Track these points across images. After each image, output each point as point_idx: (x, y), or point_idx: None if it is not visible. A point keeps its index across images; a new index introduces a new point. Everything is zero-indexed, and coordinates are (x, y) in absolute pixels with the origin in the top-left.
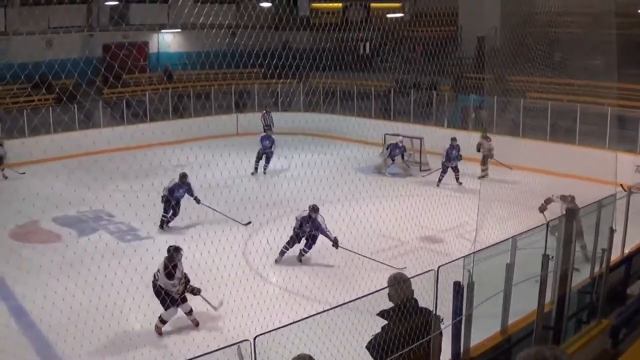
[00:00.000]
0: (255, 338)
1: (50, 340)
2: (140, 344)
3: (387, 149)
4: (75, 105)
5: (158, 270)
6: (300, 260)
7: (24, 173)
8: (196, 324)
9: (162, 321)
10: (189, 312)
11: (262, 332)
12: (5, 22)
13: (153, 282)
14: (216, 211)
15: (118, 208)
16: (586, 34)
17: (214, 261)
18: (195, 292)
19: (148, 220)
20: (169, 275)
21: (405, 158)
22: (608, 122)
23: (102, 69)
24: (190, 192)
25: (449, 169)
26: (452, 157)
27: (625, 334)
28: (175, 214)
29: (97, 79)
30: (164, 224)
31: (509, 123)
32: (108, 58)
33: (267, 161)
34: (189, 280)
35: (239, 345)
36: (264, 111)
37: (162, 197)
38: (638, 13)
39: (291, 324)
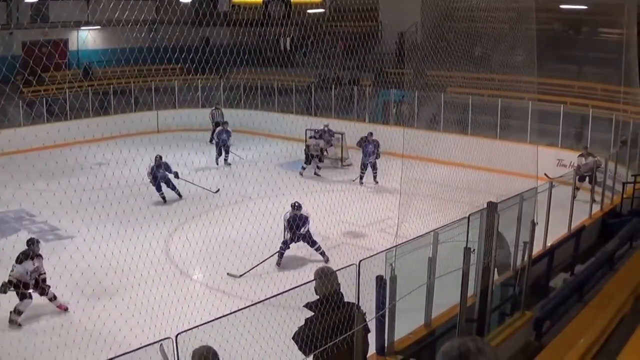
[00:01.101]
0: (177, 336)
1: None
2: (61, 346)
3: (318, 136)
4: None
5: (14, 264)
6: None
7: None
8: (65, 309)
9: (18, 312)
10: (53, 299)
11: (184, 329)
12: None
13: (9, 276)
14: (190, 182)
15: (38, 207)
16: (507, 29)
17: (137, 258)
18: (46, 292)
19: (68, 219)
20: (23, 264)
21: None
22: (529, 117)
23: (22, 68)
24: (168, 168)
25: (368, 166)
26: (368, 153)
27: (549, 326)
28: (173, 186)
29: (16, 77)
30: (164, 199)
31: (430, 117)
32: (27, 56)
33: (227, 153)
34: (44, 279)
35: (161, 344)
36: (213, 108)
37: (150, 182)
38: (559, 8)
39: (213, 320)
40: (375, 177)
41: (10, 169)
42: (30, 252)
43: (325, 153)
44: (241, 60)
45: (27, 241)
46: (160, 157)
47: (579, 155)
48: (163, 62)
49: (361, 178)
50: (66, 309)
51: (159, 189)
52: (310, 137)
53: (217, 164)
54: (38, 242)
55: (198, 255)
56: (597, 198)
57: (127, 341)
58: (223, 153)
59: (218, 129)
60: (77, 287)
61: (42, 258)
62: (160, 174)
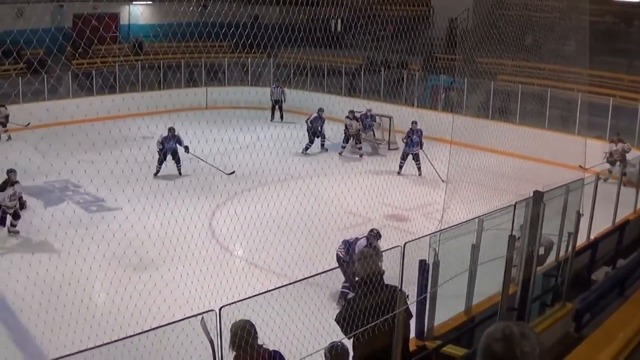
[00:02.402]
0: (220, 309)
1: (16, 310)
2: (106, 314)
3: (359, 120)
4: (45, 75)
5: None
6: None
7: (29, 124)
8: (17, 232)
9: None
10: (14, 225)
11: (227, 303)
12: None
13: None
14: (202, 160)
15: (84, 178)
16: (559, 19)
17: (180, 231)
18: (25, 205)
19: (114, 190)
20: (5, 192)
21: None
22: (578, 108)
23: (73, 39)
24: (179, 141)
25: (409, 156)
26: (413, 143)
27: (589, 319)
28: (178, 162)
29: (67, 48)
30: (156, 174)
31: (479, 105)
32: (78, 28)
33: (323, 138)
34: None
35: (202, 317)
36: (274, 85)
37: (157, 151)
38: (611, 1)
39: (256, 295)
40: (419, 168)
41: (59, 139)
42: (9, 180)
43: (362, 135)
44: (290, 39)
45: (7, 171)
46: (173, 129)
47: (610, 142)
48: (212, 39)
49: (400, 168)
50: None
51: (160, 161)
52: (346, 117)
53: (305, 152)
54: (15, 171)
55: (240, 231)
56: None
57: (171, 312)
58: (318, 139)
59: (313, 115)
60: (121, 258)
61: (20, 184)
62: (168, 146)
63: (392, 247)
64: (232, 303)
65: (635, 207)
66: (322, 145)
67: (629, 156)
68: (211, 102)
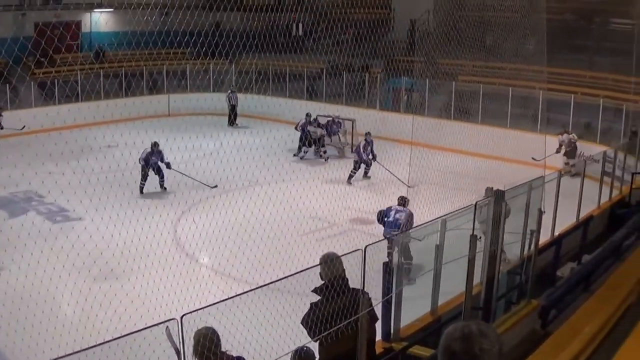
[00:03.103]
0: (182, 317)
1: None
2: (72, 324)
3: (323, 127)
4: (7, 85)
5: None
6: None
7: (24, 127)
8: None
9: None
10: None
11: (190, 311)
12: None
13: None
14: (185, 175)
15: (48, 188)
16: (518, 18)
17: (144, 241)
18: None
19: (78, 200)
20: None
21: (341, 135)
22: (540, 106)
23: (33, 49)
24: (161, 157)
25: (361, 165)
26: (369, 152)
27: (555, 315)
28: (162, 177)
29: (28, 58)
30: (142, 190)
31: (440, 106)
32: (39, 38)
33: (322, 145)
34: None
35: (167, 326)
36: (230, 91)
37: (141, 167)
38: None
39: (218, 302)
40: (366, 172)
41: (20, 149)
42: None
43: (326, 140)
44: (252, 45)
45: None
46: (157, 144)
47: (559, 134)
48: (174, 46)
49: (365, 173)
50: None
51: (145, 177)
52: (309, 123)
53: (299, 155)
54: None
55: (205, 239)
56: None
57: (133, 321)
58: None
59: (302, 121)
60: (84, 268)
61: None
62: (152, 161)
63: (353, 251)
64: (194, 311)
65: (599, 203)
66: (319, 151)
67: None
68: (174, 109)
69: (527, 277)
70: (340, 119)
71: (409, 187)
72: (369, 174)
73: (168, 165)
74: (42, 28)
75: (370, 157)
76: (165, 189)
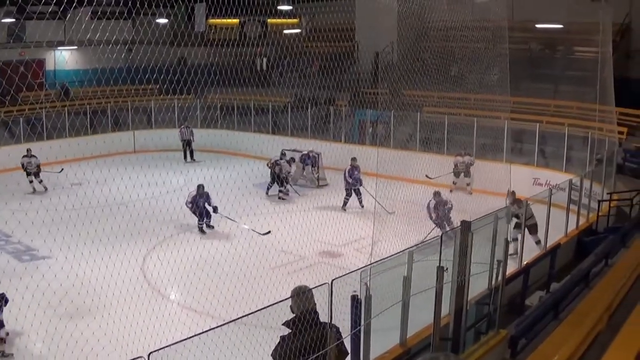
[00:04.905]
0: (149, 355)
1: None
2: None
3: (300, 160)
4: None
5: None
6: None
7: (62, 170)
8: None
9: None
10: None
11: (157, 348)
12: None
13: None
14: (234, 221)
15: (15, 227)
16: (482, 49)
17: (111, 278)
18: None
19: (45, 238)
20: None
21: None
22: (505, 136)
23: None
24: (209, 200)
25: (353, 192)
26: (355, 178)
27: (525, 344)
28: (208, 217)
29: None
30: (202, 229)
31: (406, 137)
32: (1, 76)
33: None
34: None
35: None
36: (183, 126)
37: (191, 211)
38: (534, 27)
39: (186, 339)
40: (360, 201)
41: None
42: None
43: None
44: (217, 80)
45: None
46: (202, 187)
47: (456, 155)
48: (140, 82)
49: (345, 204)
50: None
51: (201, 216)
52: (281, 159)
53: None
54: None
55: (173, 275)
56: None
57: (100, 359)
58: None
59: (274, 159)
60: (49, 308)
61: None
62: (201, 203)
63: (320, 285)
64: (161, 348)
65: (567, 231)
66: (282, 189)
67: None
68: (139, 145)
69: (495, 307)
70: (315, 153)
71: (389, 213)
72: (362, 203)
73: (215, 210)
74: (3, 67)
75: (351, 181)
76: (212, 227)
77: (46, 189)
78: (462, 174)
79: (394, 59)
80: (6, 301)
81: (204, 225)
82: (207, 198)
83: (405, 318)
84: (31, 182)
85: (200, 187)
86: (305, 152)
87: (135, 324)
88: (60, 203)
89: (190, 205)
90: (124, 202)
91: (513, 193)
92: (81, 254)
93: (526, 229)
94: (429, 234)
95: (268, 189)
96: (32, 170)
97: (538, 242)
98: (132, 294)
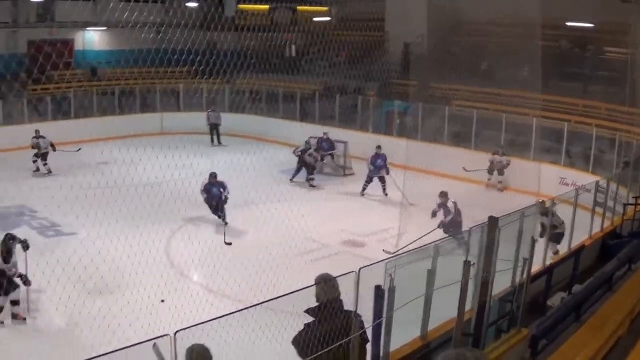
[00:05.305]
0: (175, 333)
1: None
2: (61, 340)
3: (316, 144)
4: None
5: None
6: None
7: (79, 149)
8: (22, 318)
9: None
10: (16, 303)
11: (183, 327)
12: None
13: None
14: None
15: (41, 203)
16: (512, 44)
17: (137, 257)
18: (27, 282)
19: (70, 215)
20: (5, 260)
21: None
22: (533, 133)
23: (27, 66)
24: (222, 189)
25: (375, 179)
26: (377, 166)
27: (545, 345)
28: (221, 210)
29: (21, 74)
30: (223, 220)
31: (434, 130)
32: (32, 55)
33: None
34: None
35: (154, 343)
36: (210, 109)
37: (204, 200)
38: (565, 25)
39: (212, 320)
40: (384, 189)
41: (14, 165)
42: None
43: (321, 162)
44: (247, 65)
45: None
46: (214, 174)
47: (493, 154)
48: (169, 65)
49: (363, 189)
50: (24, 319)
51: (215, 210)
52: (310, 148)
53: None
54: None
55: (197, 257)
56: (594, 218)
57: (126, 336)
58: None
59: (300, 148)
60: (78, 282)
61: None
62: (216, 192)
63: (347, 273)
64: (188, 327)
65: (591, 233)
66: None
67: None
68: (166, 127)
69: (518, 305)
70: (329, 136)
71: (410, 204)
72: (385, 191)
73: (225, 200)
74: (35, 45)
75: (373, 168)
76: (226, 223)
77: (50, 171)
78: (496, 172)
79: (423, 50)
80: (27, 246)
81: (219, 218)
82: (221, 186)
83: (427, 311)
84: (35, 162)
85: (212, 174)
86: (321, 137)
87: (157, 304)
88: (87, 182)
89: (204, 195)
90: (150, 183)
91: (543, 203)
92: (105, 232)
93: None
94: (428, 233)
95: (293, 175)
96: (42, 151)
97: (556, 253)
98: (155, 274)
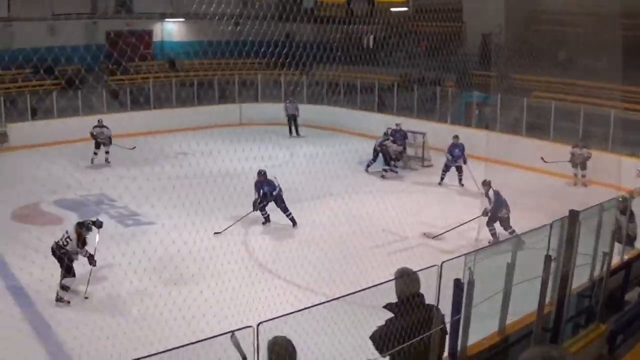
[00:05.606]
0: (258, 325)
1: (47, 321)
2: (139, 328)
3: (389, 135)
4: (79, 91)
5: (68, 237)
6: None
7: (134, 147)
8: (67, 302)
9: (66, 288)
10: (67, 288)
11: (265, 319)
12: (9, 8)
13: (58, 247)
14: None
15: (119, 192)
16: (591, 34)
17: (215, 247)
18: (92, 262)
19: (149, 205)
20: (81, 244)
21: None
22: (611, 125)
23: (105, 57)
24: (271, 188)
25: (452, 168)
26: (454, 155)
27: (622, 340)
28: (285, 210)
29: (100, 66)
30: (266, 221)
31: (512, 121)
32: (112, 46)
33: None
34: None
35: (233, 333)
36: (287, 101)
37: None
38: None
39: (295, 312)
40: (460, 179)
41: (96, 157)
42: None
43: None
44: (324, 56)
45: (93, 222)
46: (262, 172)
47: (573, 147)
48: (247, 56)
49: (442, 179)
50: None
51: (262, 208)
52: (388, 139)
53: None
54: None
55: (274, 249)
56: None
57: (200, 328)
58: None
59: (380, 140)
60: (154, 273)
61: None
62: (267, 190)
63: (429, 267)
64: (270, 320)
65: None
66: (390, 167)
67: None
68: (245, 118)
69: (596, 300)
70: (401, 127)
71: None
72: (462, 181)
73: (276, 201)
74: (114, 37)
75: (451, 158)
76: (268, 221)
77: (109, 162)
78: (579, 166)
79: (502, 41)
80: (100, 225)
81: (264, 220)
82: (270, 185)
83: (505, 306)
84: (96, 154)
85: (260, 172)
86: (394, 128)
87: (238, 294)
88: (166, 172)
89: (256, 196)
90: (229, 174)
91: (624, 200)
92: (183, 223)
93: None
94: (468, 222)
95: (368, 166)
96: (102, 141)
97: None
98: (233, 265)
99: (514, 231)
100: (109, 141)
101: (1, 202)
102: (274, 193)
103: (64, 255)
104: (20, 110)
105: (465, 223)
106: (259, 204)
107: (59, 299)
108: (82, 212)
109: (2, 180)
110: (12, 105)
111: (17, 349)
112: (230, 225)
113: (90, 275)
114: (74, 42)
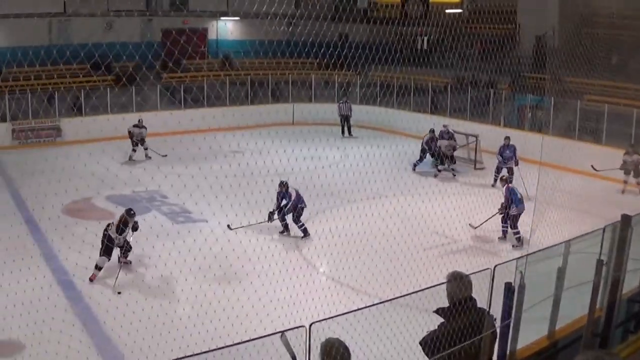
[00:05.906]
0: (311, 325)
1: (96, 315)
2: (189, 326)
3: (439, 137)
4: (134, 88)
5: (112, 223)
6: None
7: (166, 155)
8: (90, 280)
9: (99, 268)
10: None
11: (317, 320)
12: (65, 3)
13: (104, 229)
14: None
15: (172, 189)
16: None
17: (262, 249)
18: (125, 255)
19: (201, 202)
20: (118, 229)
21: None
22: None
23: (162, 54)
24: (288, 199)
25: (504, 170)
26: (505, 157)
27: None
28: (297, 220)
29: (157, 63)
30: (284, 230)
31: (565, 125)
32: (168, 43)
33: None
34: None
35: (283, 333)
36: (341, 101)
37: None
38: None
39: (346, 313)
40: (511, 182)
41: (150, 153)
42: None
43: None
44: (378, 57)
45: (127, 211)
46: (284, 184)
47: (625, 153)
48: (301, 56)
49: (495, 181)
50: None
51: (282, 218)
52: (434, 137)
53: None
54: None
55: (324, 249)
56: None
57: (253, 327)
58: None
59: (427, 136)
60: (208, 270)
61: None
62: (292, 203)
63: (482, 270)
64: (323, 320)
65: None
66: (445, 166)
67: None
68: (298, 118)
69: None
70: (449, 129)
71: (528, 198)
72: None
73: (293, 217)
74: (169, 34)
75: (501, 159)
76: (286, 232)
77: (149, 157)
78: (632, 173)
79: (555, 43)
80: (136, 228)
81: (282, 229)
82: (290, 197)
83: (555, 310)
84: (134, 150)
85: (282, 183)
86: (441, 129)
87: (289, 294)
88: (219, 170)
89: (277, 206)
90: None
91: None
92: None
93: None
94: (490, 218)
95: (415, 166)
96: (137, 141)
97: None
98: (280, 265)
99: (518, 232)
100: (142, 142)
101: (53, 196)
102: (289, 205)
103: (104, 237)
104: (71, 105)
105: (490, 218)
106: (274, 215)
107: (91, 278)
108: (134, 208)
109: (54, 174)
110: (70, 101)
111: (67, 342)
112: (243, 226)
113: (119, 270)
114: (131, 39)
